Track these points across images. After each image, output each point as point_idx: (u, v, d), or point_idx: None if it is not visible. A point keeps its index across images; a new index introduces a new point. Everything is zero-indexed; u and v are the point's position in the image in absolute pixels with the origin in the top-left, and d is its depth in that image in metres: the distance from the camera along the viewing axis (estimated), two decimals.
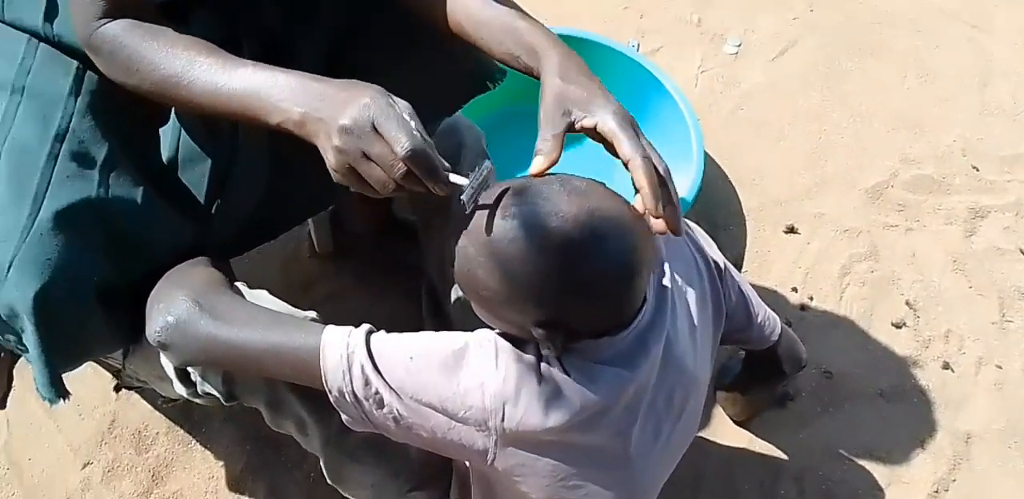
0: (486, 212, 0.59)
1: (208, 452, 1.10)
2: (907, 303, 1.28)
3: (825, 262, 1.32)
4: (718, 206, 1.36)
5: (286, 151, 0.75)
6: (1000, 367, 1.23)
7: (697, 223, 1.29)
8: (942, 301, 1.28)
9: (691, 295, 0.73)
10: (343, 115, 0.58)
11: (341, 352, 0.63)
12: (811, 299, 1.29)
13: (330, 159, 0.59)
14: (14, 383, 0.77)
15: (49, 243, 0.66)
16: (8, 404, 1.08)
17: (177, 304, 0.66)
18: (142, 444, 1.09)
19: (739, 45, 1.56)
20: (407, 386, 0.63)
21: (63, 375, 0.72)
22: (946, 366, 1.23)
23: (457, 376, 0.63)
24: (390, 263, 1.18)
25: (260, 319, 0.66)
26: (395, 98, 0.59)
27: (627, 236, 0.58)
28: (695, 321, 0.73)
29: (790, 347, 0.98)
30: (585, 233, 0.57)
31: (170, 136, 0.78)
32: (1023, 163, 1.44)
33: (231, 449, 1.09)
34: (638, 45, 1.52)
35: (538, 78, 0.66)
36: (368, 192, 0.59)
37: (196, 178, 0.78)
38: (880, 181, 1.41)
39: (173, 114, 0.79)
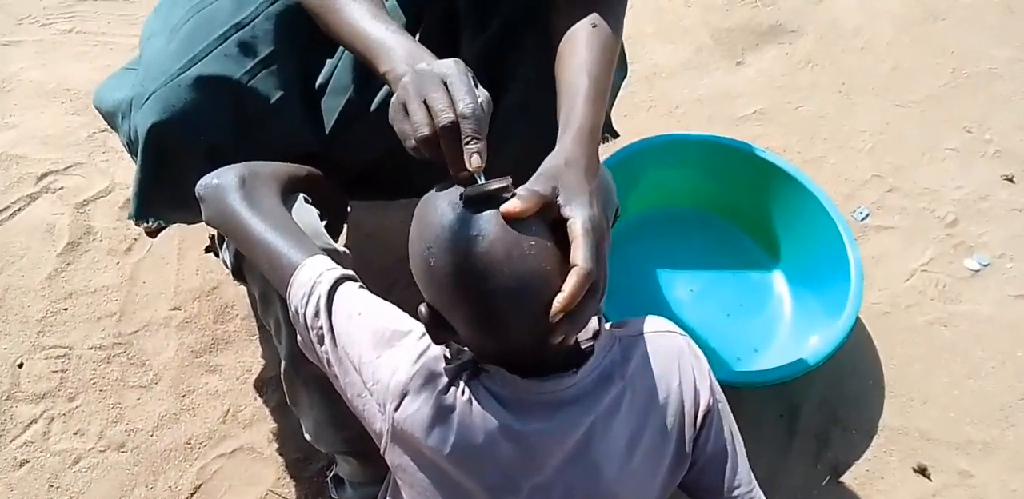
0: (447, 191, 0.60)
1: (260, 349, 1.21)
2: None
3: None
4: (850, 406, 1.22)
5: None
6: None
7: (815, 411, 1.19)
8: None
9: (651, 414, 0.68)
10: (425, 64, 0.64)
11: (312, 277, 0.67)
12: None
13: (395, 94, 0.64)
14: (171, 225, 0.95)
15: (181, 94, 0.79)
16: (158, 238, 1.23)
17: (228, 173, 0.75)
18: (222, 317, 1.23)
19: (985, 265, 1.39)
20: (342, 334, 0.66)
21: (172, 223, 0.85)
22: None
23: (381, 351, 0.65)
24: None
25: (279, 219, 0.73)
26: (478, 84, 0.63)
27: (538, 291, 0.58)
28: (642, 441, 0.67)
29: None
30: (502, 266, 0.57)
31: (329, 66, 0.89)
32: None
33: (278, 357, 1.18)
34: (867, 215, 1.43)
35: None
36: (402, 134, 0.63)
37: (332, 107, 0.87)
38: None
39: (340, 50, 0.88)
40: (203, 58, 0.81)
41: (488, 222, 0.58)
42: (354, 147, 0.89)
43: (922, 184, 1.47)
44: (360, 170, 0.92)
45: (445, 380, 0.64)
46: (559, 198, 0.61)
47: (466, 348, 0.65)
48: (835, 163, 1.48)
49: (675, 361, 0.70)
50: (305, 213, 0.79)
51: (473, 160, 0.59)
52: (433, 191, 0.62)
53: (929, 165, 1.50)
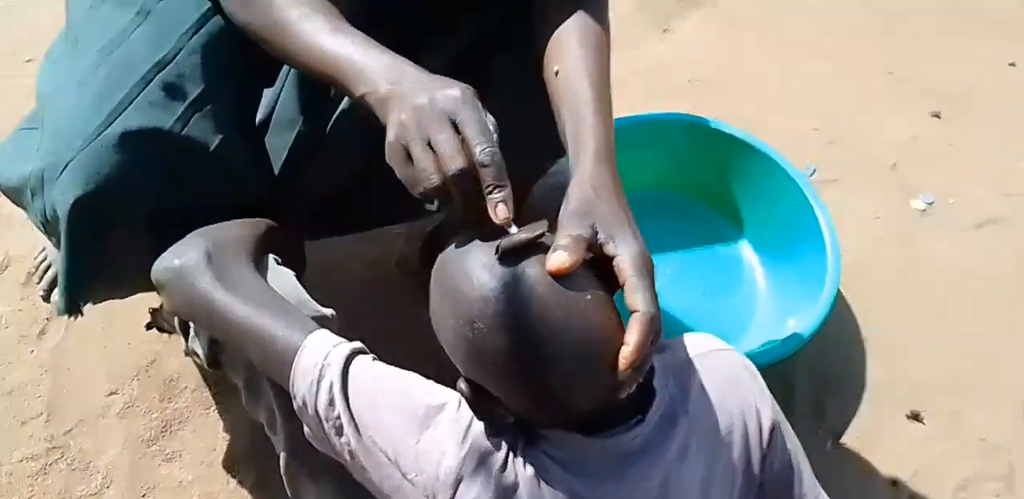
0: (473, 250, 0.53)
1: (221, 422, 1.08)
2: None
3: (944, 467, 1.13)
4: (838, 368, 1.21)
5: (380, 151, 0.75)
6: None
7: (806, 381, 1.18)
8: None
9: (720, 447, 0.63)
10: (423, 96, 0.55)
11: (317, 360, 0.59)
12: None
13: (389, 134, 0.56)
14: None
15: (105, 157, 0.67)
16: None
17: (190, 250, 0.65)
18: (168, 392, 1.10)
19: (931, 203, 1.42)
20: (368, 421, 0.58)
21: (103, 302, 0.74)
22: None
23: (420, 434, 0.57)
24: None
25: (261, 296, 0.64)
26: (486, 111, 0.56)
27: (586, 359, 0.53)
28: (715, 479, 0.62)
29: None
30: (561, 330, 0.51)
31: (269, 98, 0.79)
32: None
33: (243, 427, 1.07)
34: (814, 171, 1.43)
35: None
36: (408, 182, 0.55)
37: (280, 144, 0.78)
38: None
39: (285, 76, 0.79)
40: (125, 109, 0.69)
41: (537, 284, 0.51)
42: (310, 184, 0.79)
43: (859, 133, 1.48)
44: (316, 208, 0.82)
45: (501, 455, 0.56)
46: (599, 235, 0.55)
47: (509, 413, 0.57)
48: (775, 122, 1.46)
49: (734, 384, 0.65)
50: (281, 278, 0.69)
51: (500, 211, 0.52)
52: (452, 251, 0.55)
53: (861, 113, 1.50)
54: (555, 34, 0.69)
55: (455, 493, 0.56)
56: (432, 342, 1.19)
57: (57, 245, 0.73)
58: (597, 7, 0.71)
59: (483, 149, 0.53)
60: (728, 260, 1.27)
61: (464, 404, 0.57)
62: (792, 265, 1.21)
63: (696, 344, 0.65)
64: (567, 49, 0.68)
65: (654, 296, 0.53)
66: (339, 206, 0.83)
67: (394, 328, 1.11)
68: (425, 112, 0.54)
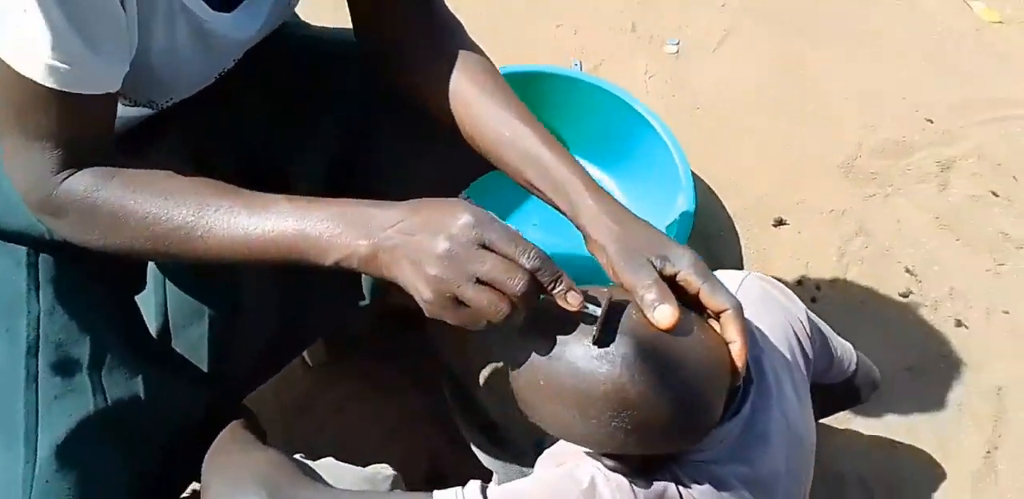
0: (565, 351, 0.54)
1: None
2: (907, 270, 1.30)
3: (820, 248, 1.33)
4: (704, 214, 1.34)
5: (291, 279, 0.69)
6: (1007, 312, 1.26)
7: (689, 235, 1.30)
8: (937, 260, 1.32)
9: (790, 359, 0.70)
10: (440, 239, 0.50)
11: None
12: (818, 289, 1.29)
13: (423, 291, 0.51)
14: None
15: (59, 487, 0.58)
16: None
17: None
18: None
19: (678, 43, 1.53)
20: None
21: None
22: (959, 323, 1.26)
23: None
24: (393, 356, 1.11)
25: None
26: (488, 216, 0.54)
27: (704, 398, 0.56)
28: (799, 386, 0.70)
29: (867, 374, 0.91)
30: (694, 372, 0.55)
31: (154, 304, 0.70)
32: (971, 108, 1.47)
33: None
34: (580, 64, 1.48)
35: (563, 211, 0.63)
36: (469, 324, 0.52)
37: (194, 342, 0.71)
38: (848, 154, 1.43)
39: (154, 278, 0.70)
40: (37, 425, 0.59)
41: (658, 347, 0.53)
42: (245, 355, 0.74)
43: (590, 10, 1.54)
44: (254, 364, 0.77)
45: (672, 491, 0.58)
46: (655, 263, 0.56)
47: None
48: (520, 34, 1.49)
49: (769, 302, 0.71)
50: (333, 472, 0.65)
51: (572, 299, 0.51)
52: (543, 363, 0.54)
53: None
54: (451, 85, 0.65)
55: None
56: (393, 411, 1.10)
57: None
58: (463, 43, 0.69)
59: (528, 256, 0.50)
60: None
61: (600, 473, 0.59)
62: (631, 158, 1.27)
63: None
64: (474, 102, 0.65)
65: (727, 290, 0.56)
66: (275, 348, 0.78)
67: (344, 431, 1.09)
68: (456, 255, 0.50)
